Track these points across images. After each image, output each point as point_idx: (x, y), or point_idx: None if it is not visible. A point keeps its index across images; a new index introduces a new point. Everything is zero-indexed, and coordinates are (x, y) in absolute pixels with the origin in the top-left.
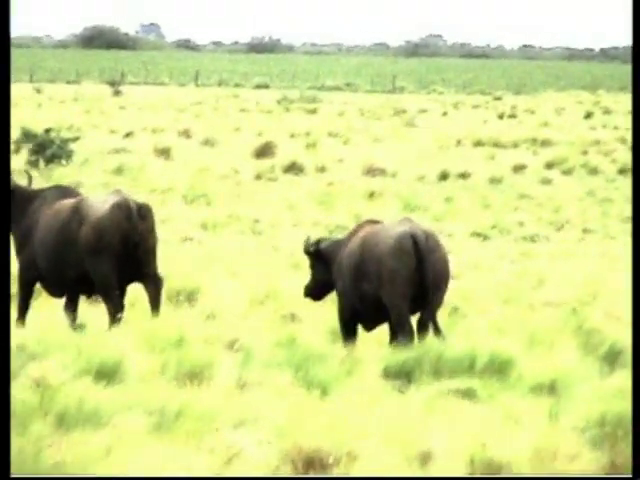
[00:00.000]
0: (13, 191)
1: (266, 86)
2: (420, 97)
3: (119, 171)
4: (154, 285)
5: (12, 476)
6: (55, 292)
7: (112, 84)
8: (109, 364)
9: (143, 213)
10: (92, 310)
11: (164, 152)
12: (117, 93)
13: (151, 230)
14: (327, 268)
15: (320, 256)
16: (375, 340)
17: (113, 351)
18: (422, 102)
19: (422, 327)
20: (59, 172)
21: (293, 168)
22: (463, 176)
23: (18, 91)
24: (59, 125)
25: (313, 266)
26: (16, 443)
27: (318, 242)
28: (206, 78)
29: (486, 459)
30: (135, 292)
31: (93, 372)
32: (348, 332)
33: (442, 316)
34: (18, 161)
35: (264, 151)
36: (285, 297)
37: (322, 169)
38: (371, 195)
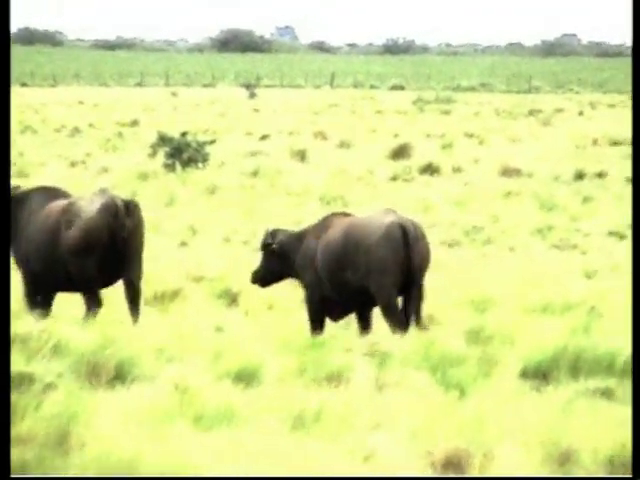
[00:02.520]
0: None
1: (401, 87)
2: (556, 97)
3: (255, 174)
4: (132, 290)
5: (12, 476)
6: (40, 292)
7: (247, 87)
8: (248, 367)
9: (130, 210)
10: (229, 313)
11: (300, 154)
12: (252, 96)
13: (137, 227)
14: (282, 260)
15: (278, 250)
16: (511, 340)
17: (251, 354)
18: (558, 102)
19: (411, 314)
20: (195, 175)
21: (429, 169)
22: (600, 175)
23: (154, 95)
24: (195, 128)
25: (267, 257)
26: (155, 445)
27: (274, 234)
28: (341, 80)
29: (626, 459)
30: (273, 294)
31: (232, 375)
32: (318, 321)
33: (580, 315)
34: (155, 164)
35: (400, 152)
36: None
37: (458, 170)
38: (507, 195)
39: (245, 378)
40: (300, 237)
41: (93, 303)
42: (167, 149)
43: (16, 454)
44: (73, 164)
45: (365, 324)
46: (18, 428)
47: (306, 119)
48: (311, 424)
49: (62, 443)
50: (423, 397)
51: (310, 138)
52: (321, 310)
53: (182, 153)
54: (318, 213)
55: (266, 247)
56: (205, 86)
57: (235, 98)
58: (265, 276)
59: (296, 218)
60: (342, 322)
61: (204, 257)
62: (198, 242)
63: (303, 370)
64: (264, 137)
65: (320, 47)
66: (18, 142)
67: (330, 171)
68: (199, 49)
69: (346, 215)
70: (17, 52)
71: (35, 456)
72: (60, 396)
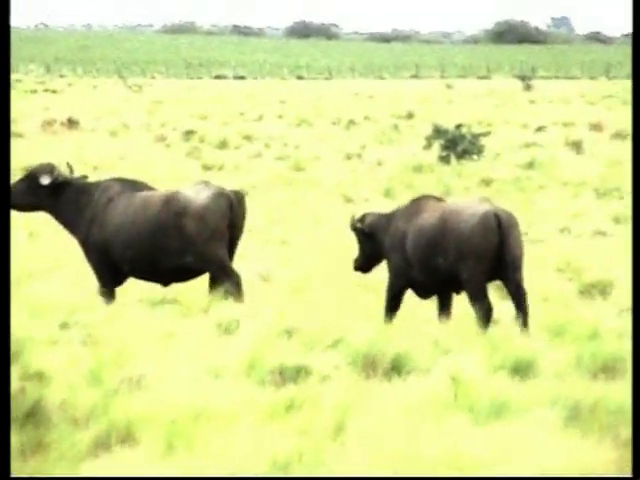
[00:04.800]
0: (65, 183)
1: None
2: None
3: (530, 165)
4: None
5: (12, 476)
6: (119, 279)
7: (523, 78)
8: (523, 359)
9: (239, 198)
10: (503, 305)
11: (575, 145)
12: (528, 87)
13: (244, 216)
14: (374, 241)
15: (367, 231)
16: None
17: (527, 346)
18: None
19: (517, 295)
20: (470, 167)
21: None
22: None
23: (428, 87)
24: (470, 120)
25: (361, 241)
26: (432, 438)
27: (363, 218)
28: (617, 71)
29: None
30: (548, 287)
31: (507, 367)
32: (395, 304)
33: None
34: (430, 156)
35: None
36: None
37: None
38: None
39: (521, 370)
40: (389, 218)
41: (238, 284)
42: (442, 141)
43: (292, 445)
44: (348, 157)
45: (445, 308)
46: (294, 419)
47: (581, 110)
48: (585, 416)
49: (339, 435)
50: None
51: (585, 129)
52: (401, 293)
53: (457, 145)
54: (594, 205)
55: (354, 230)
56: (480, 78)
57: (510, 90)
58: (363, 261)
59: (572, 210)
60: (616, 310)
61: None
62: None
63: (579, 361)
64: (539, 128)
65: (596, 38)
66: (294, 135)
67: (606, 162)
68: (474, 41)
69: (438, 199)
70: (292, 45)
71: (312, 447)
72: (337, 388)
